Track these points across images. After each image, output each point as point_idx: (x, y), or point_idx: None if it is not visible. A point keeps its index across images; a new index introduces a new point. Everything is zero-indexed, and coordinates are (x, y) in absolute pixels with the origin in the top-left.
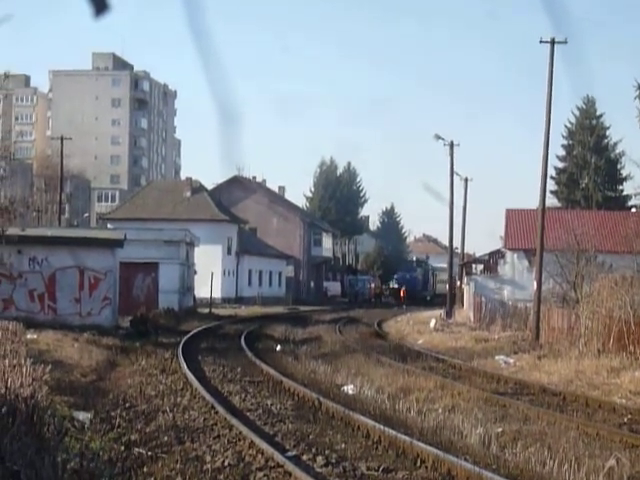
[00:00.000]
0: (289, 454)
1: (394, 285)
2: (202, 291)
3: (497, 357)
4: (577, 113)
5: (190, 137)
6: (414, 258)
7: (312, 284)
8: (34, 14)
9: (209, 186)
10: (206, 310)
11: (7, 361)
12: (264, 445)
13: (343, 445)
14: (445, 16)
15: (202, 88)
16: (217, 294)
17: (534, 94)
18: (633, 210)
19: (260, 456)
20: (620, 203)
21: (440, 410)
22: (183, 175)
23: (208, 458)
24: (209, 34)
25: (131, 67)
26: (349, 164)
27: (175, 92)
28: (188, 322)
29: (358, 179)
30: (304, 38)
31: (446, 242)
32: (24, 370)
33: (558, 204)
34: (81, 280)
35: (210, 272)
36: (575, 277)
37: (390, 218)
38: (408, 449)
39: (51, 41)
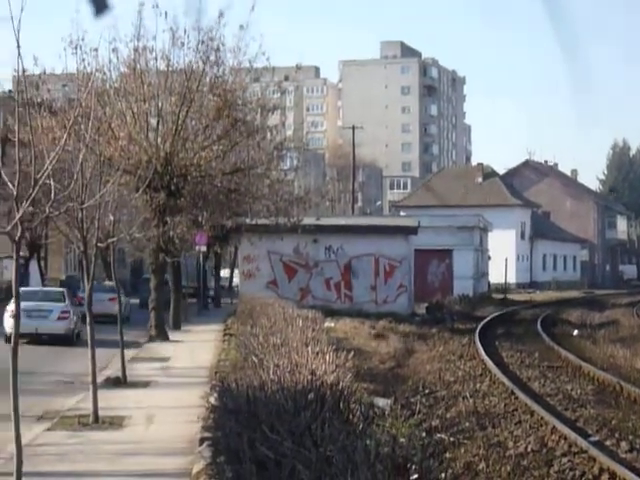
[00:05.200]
0: (592, 439)
1: None
2: (496, 276)
3: None
4: None
5: (481, 122)
6: None
7: (607, 268)
8: (323, 7)
9: (500, 171)
10: (500, 296)
11: (310, 348)
12: (566, 430)
13: None
14: None
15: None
16: (511, 279)
17: None
18: None
19: (563, 441)
20: None
21: None
22: (474, 161)
23: (510, 444)
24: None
25: (419, 54)
26: None
27: (464, 78)
28: (483, 308)
29: None
30: None
31: None
32: (327, 357)
33: None
34: (376, 268)
35: (504, 257)
36: None
37: None
38: None
39: (339, 32)
